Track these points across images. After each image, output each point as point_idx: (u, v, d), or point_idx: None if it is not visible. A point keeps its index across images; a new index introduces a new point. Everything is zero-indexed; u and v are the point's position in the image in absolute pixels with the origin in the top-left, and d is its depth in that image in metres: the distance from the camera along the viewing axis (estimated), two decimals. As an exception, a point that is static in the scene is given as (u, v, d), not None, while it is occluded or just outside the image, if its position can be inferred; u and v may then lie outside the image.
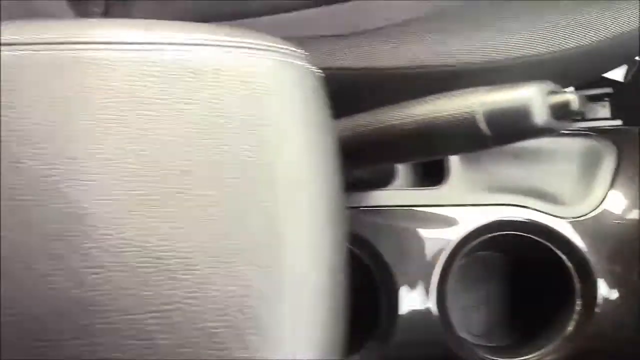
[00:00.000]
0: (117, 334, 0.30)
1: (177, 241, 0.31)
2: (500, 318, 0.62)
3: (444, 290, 0.56)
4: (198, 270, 0.31)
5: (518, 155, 0.60)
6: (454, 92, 0.41)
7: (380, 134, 0.43)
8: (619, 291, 0.56)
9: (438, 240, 0.56)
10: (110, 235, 0.31)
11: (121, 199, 0.31)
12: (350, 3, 0.59)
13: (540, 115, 0.37)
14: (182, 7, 0.63)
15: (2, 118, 0.31)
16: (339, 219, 0.36)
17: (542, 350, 0.57)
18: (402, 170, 0.61)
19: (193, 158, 0.32)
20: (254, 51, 0.35)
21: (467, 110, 0.39)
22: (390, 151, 0.44)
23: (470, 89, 0.41)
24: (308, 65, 0.36)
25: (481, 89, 0.40)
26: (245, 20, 0.61)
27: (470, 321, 0.61)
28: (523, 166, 0.59)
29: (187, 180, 0.32)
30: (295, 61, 0.36)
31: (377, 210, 0.58)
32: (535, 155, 0.60)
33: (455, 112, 0.40)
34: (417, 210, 0.57)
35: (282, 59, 0.35)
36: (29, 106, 0.32)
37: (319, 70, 0.37)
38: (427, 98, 0.42)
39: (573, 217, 0.57)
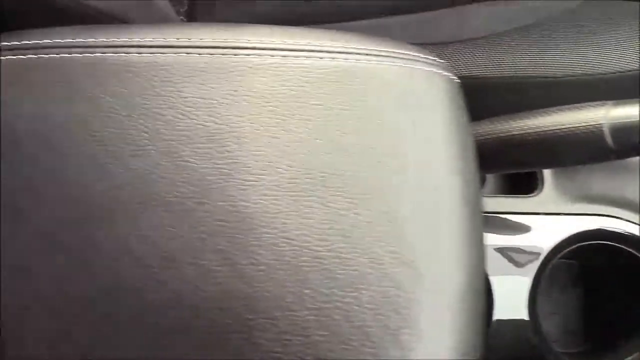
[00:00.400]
0: (278, 329, 0.31)
1: (335, 242, 0.32)
2: (576, 325, 0.63)
3: (536, 296, 0.56)
4: (355, 270, 0.32)
5: (610, 166, 0.61)
6: (578, 105, 0.42)
7: (500, 143, 0.44)
8: None
9: (532, 247, 0.57)
10: (273, 234, 0.32)
11: (281, 199, 0.32)
12: (450, 10, 0.60)
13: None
14: (264, 10, 0.65)
15: (165, 117, 0.33)
16: (479, 220, 0.37)
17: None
18: (491, 177, 0.62)
19: (350, 163, 0.33)
20: (402, 60, 0.36)
21: (594, 123, 0.40)
22: (509, 160, 0.45)
23: (596, 102, 0.41)
24: (448, 74, 0.37)
25: (607, 102, 0.41)
26: (335, 25, 0.62)
27: (549, 327, 0.62)
28: (616, 177, 0.60)
29: (344, 184, 0.33)
30: (438, 70, 0.37)
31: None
32: (627, 167, 0.61)
33: (580, 124, 0.41)
34: (511, 217, 0.58)
35: (427, 68, 0.36)
36: (192, 107, 0.33)
37: (457, 79, 0.38)
38: (550, 110, 0.43)
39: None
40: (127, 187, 0.32)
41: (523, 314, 0.56)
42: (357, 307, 0.32)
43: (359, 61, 0.35)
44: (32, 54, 0.34)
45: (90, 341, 0.31)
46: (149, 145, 0.32)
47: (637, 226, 0.58)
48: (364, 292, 0.32)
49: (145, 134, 0.33)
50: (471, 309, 0.35)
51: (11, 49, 0.35)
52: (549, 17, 0.57)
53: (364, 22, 0.62)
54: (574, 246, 0.57)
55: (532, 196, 0.58)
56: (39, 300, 0.31)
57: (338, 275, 0.32)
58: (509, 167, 0.52)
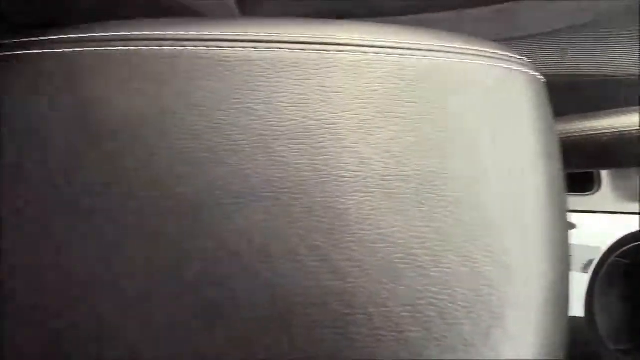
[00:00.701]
0: (373, 325, 0.32)
1: (429, 240, 0.32)
2: (627, 322, 0.63)
3: (593, 294, 0.57)
4: (448, 268, 0.32)
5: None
6: (635, 108, 0.42)
7: (570, 144, 0.44)
8: None
9: (590, 245, 0.57)
10: (367, 230, 0.32)
11: (375, 196, 0.32)
12: (506, 5, 0.59)
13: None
14: (312, 5, 0.65)
15: (259, 112, 0.33)
16: (565, 220, 0.37)
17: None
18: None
19: (443, 162, 0.33)
20: (491, 59, 0.36)
21: None
22: (567, 162, 0.45)
23: None
24: (535, 73, 0.37)
25: None
26: (377, 20, 0.62)
27: (602, 324, 0.62)
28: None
29: (438, 183, 0.33)
30: (524, 69, 0.37)
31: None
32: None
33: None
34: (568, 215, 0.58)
35: (515, 67, 0.36)
36: (285, 103, 0.33)
37: (542, 77, 0.38)
38: (609, 112, 0.43)
39: None
40: (221, 181, 0.32)
41: (579, 311, 0.56)
42: (451, 305, 0.32)
43: (451, 59, 0.35)
44: (121, 46, 0.34)
45: (178, 332, 0.31)
46: (243, 140, 0.33)
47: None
48: (457, 290, 0.32)
49: (239, 129, 0.33)
50: (557, 308, 0.35)
51: (95, 41, 0.35)
52: (607, 14, 0.56)
53: (404, 18, 0.62)
54: (630, 245, 0.57)
55: (590, 195, 0.58)
56: (129, 290, 0.31)
57: (432, 273, 0.32)
58: (568, 168, 0.52)
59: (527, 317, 0.34)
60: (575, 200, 0.56)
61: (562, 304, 0.35)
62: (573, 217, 0.57)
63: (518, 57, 0.37)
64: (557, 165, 0.37)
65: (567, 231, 0.37)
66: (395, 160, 0.33)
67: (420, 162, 0.33)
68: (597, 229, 0.56)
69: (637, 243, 0.57)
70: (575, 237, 0.57)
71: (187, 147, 0.33)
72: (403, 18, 0.62)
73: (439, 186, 0.33)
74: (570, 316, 0.57)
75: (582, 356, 0.57)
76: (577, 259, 0.55)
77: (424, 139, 0.33)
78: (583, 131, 0.43)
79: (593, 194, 0.57)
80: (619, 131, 0.42)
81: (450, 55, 0.35)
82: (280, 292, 0.31)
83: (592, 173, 0.58)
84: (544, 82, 0.38)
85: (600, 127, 0.43)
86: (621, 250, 0.56)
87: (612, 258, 0.56)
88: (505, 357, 0.32)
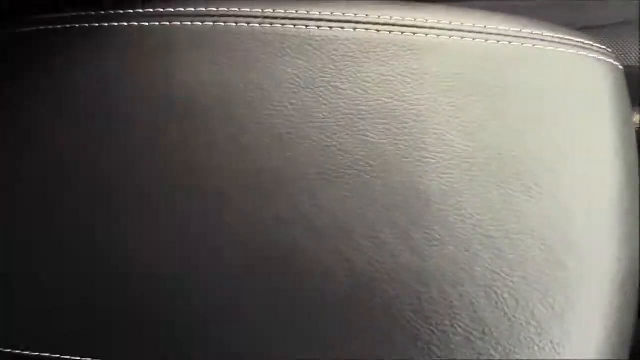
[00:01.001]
0: (448, 304, 0.32)
1: (507, 222, 0.33)
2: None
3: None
4: (524, 251, 0.33)
5: None
6: None
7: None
8: None
9: None
10: (447, 210, 0.33)
11: (456, 177, 0.33)
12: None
13: None
14: None
15: (345, 92, 0.34)
16: (637, 211, 0.37)
17: None
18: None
19: (525, 145, 0.34)
20: (572, 47, 0.36)
21: None
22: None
23: None
24: (614, 62, 0.37)
25: None
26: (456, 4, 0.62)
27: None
28: None
29: (518, 166, 0.34)
30: (604, 57, 0.37)
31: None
32: None
33: None
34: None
35: (595, 55, 0.36)
36: (371, 83, 0.34)
37: (622, 67, 0.38)
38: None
39: None
40: (306, 158, 0.33)
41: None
42: (525, 287, 0.33)
43: (535, 46, 0.35)
44: (210, 22, 0.35)
45: (259, 306, 0.33)
46: (329, 118, 0.33)
47: None
48: (532, 273, 0.33)
49: (325, 107, 0.34)
50: (628, 297, 0.35)
51: (188, 16, 0.36)
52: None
53: (479, 3, 0.62)
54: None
55: None
56: (207, 259, 0.33)
57: (508, 255, 0.33)
58: None
59: (599, 302, 0.34)
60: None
61: (632, 292, 0.36)
62: None
63: (600, 45, 0.37)
64: (634, 154, 0.37)
65: (639, 221, 0.37)
66: (477, 143, 0.34)
67: (501, 145, 0.34)
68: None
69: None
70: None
71: (274, 123, 0.34)
72: (477, 3, 0.62)
73: (519, 170, 0.33)
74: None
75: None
76: None
77: (506, 123, 0.34)
78: None
79: None
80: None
81: (536, 42, 0.35)
82: (359, 267, 0.32)
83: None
84: (622, 70, 0.38)
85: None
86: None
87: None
88: (577, 341, 0.33)
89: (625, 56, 0.54)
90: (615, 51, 0.54)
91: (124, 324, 0.32)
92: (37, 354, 0.33)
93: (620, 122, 0.37)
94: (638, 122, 0.45)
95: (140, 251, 0.32)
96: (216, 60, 0.35)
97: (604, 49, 0.37)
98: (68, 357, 0.33)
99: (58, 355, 0.33)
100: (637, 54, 0.54)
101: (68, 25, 0.36)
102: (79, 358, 0.32)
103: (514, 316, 0.33)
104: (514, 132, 0.34)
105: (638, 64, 0.55)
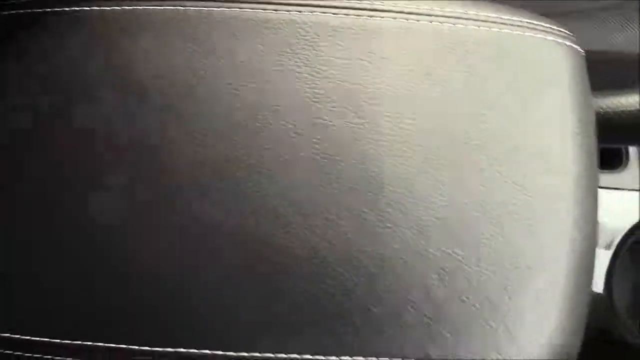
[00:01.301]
0: (401, 286, 0.33)
1: (461, 204, 0.33)
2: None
3: (613, 271, 0.57)
4: (478, 232, 0.33)
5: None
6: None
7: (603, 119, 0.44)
8: None
9: (615, 222, 0.57)
10: (400, 193, 0.33)
11: (411, 159, 0.33)
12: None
13: None
14: None
15: (302, 75, 0.34)
16: (595, 197, 0.37)
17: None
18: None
19: (481, 129, 0.34)
20: (534, 31, 0.36)
21: None
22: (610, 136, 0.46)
23: None
24: (575, 46, 0.38)
25: None
26: None
27: (621, 301, 0.62)
28: None
29: (473, 149, 0.34)
30: (565, 41, 0.37)
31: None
32: None
33: None
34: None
35: (557, 39, 0.37)
36: (327, 66, 0.34)
37: (582, 50, 0.39)
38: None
39: None
40: (262, 141, 0.33)
41: (598, 288, 0.57)
42: (478, 269, 0.33)
43: (501, 30, 0.35)
44: (169, 6, 0.35)
45: (218, 283, 0.33)
46: (285, 102, 0.34)
47: None
48: (485, 253, 0.33)
49: (281, 92, 0.34)
50: (582, 278, 0.36)
51: None
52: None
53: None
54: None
55: (617, 172, 0.59)
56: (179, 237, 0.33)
57: (463, 238, 0.33)
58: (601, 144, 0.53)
59: (554, 283, 0.35)
60: (602, 178, 0.57)
61: (586, 272, 0.36)
62: (602, 194, 0.57)
63: (561, 29, 0.37)
64: (593, 140, 0.38)
65: (596, 206, 0.37)
66: (433, 127, 0.34)
67: (458, 129, 0.34)
68: (623, 206, 0.56)
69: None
70: (600, 214, 0.57)
71: (231, 107, 0.34)
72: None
73: (476, 154, 0.34)
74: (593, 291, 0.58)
75: (599, 331, 0.58)
76: (602, 236, 0.56)
77: (465, 108, 0.34)
78: (618, 107, 0.44)
79: (620, 171, 0.57)
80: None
81: (501, 26, 0.36)
82: (317, 251, 0.33)
83: (620, 149, 0.59)
84: (583, 55, 0.39)
85: (634, 103, 0.43)
86: (643, 229, 0.57)
87: (634, 237, 0.57)
88: (531, 320, 0.34)
89: (609, 41, 0.54)
90: (597, 36, 0.54)
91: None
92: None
93: (580, 107, 0.37)
94: (604, 106, 0.45)
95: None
96: (176, 45, 0.35)
97: (564, 32, 0.37)
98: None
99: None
100: (623, 38, 0.54)
101: (22, 11, 0.36)
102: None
103: (467, 297, 0.33)
104: (472, 116, 0.34)
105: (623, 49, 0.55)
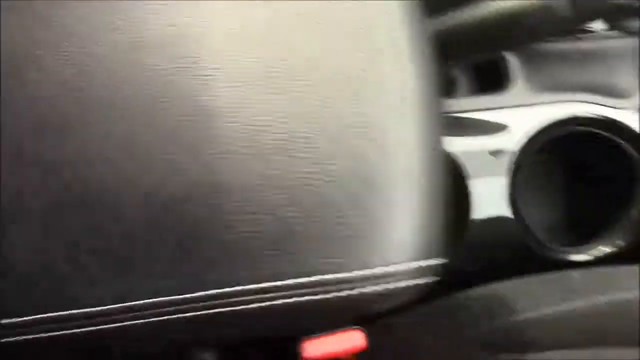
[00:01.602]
0: (249, 211, 0.33)
1: (298, 125, 0.34)
2: (560, 218, 0.64)
3: (516, 193, 0.58)
4: (318, 148, 0.33)
5: (577, 58, 0.62)
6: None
7: (462, 31, 0.45)
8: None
9: (506, 144, 0.58)
10: (236, 122, 0.33)
11: (243, 88, 0.33)
12: None
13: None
14: None
15: (122, 26, 0.34)
16: (438, 113, 0.38)
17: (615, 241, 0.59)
18: (462, 81, 0.63)
19: (313, 51, 0.35)
20: None
21: None
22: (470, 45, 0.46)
23: None
24: None
25: None
26: None
27: (533, 222, 0.62)
28: (585, 62, 0.61)
29: (307, 69, 0.34)
30: None
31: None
32: (594, 56, 0.62)
33: None
34: (483, 117, 0.59)
35: None
36: (144, 13, 0.34)
37: None
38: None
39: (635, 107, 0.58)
40: (90, 92, 0.33)
41: (506, 212, 0.57)
42: (325, 183, 0.33)
43: None
44: None
45: (66, 247, 0.33)
46: (109, 54, 0.33)
47: (612, 109, 0.59)
48: (331, 167, 0.33)
49: (104, 45, 0.33)
50: (435, 193, 0.36)
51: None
52: None
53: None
54: (549, 137, 0.58)
55: (503, 92, 0.59)
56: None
57: (303, 155, 0.33)
58: (471, 52, 0.53)
59: (406, 193, 0.35)
60: (489, 100, 0.57)
61: (437, 188, 0.37)
62: (491, 118, 0.57)
63: None
64: (431, 64, 0.38)
65: (439, 125, 0.38)
66: (261, 53, 0.34)
67: (288, 52, 0.34)
68: (514, 125, 0.57)
69: (556, 134, 0.58)
70: (491, 138, 0.58)
71: (53, 64, 0.33)
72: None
73: (308, 73, 0.34)
74: (498, 217, 0.58)
75: (515, 252, 0.58)
76: (496, 160, 0.56)
77: (292, 30, 0.35)
78: (483, 14, 0.45)
79: (506, 90, 0.57)
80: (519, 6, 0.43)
81: None
82: (156, 194, 0.33)
83: (505, 70, 0.59)
84: None
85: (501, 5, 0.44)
86: (540, 143, 0.57)
87: (534, 153, 0.57)
88: (390, 235, 0.34)
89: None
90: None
91: None
92: None
93: (413, 35, 0.37)
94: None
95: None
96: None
97: None
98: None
99: None
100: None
101: None
102: None
103: (319, 217, 0.33)
104: (300, 37, 0.34)
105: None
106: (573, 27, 0.42)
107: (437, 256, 0.36)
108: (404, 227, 0.35)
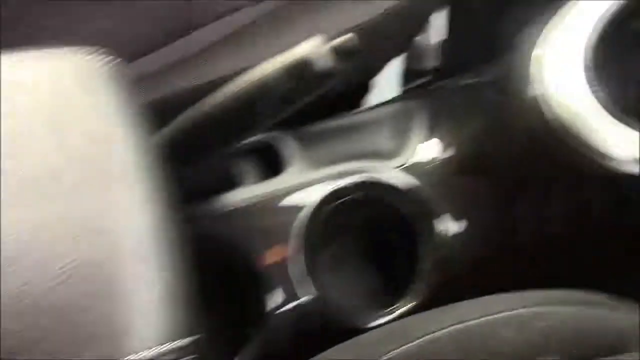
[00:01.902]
0: None
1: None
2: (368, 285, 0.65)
3: (313, 270, 0.58)
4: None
5: (348, 129, 0.66)
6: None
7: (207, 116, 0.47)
8: (464, 219, 0.61)
9: (288, 223, 0.59)
10: None
11: None
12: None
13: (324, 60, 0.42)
14: None
15: None
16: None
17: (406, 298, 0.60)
18: (245, 172, 0.65)
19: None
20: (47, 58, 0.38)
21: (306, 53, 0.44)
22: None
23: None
24: (101, 57, 0.39)
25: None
26: None
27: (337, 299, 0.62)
28: (360, 130, 0.65)
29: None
30: (87, 56, 0.39)
31: (229, 212, 0.61)
32: (362, 126, 0.66)
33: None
34: (265, 202, 0.60)
35: (74, 58, 0.38)
36: None
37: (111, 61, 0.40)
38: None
39: (399, 166, 0.62)
40: None
41: (305, 294, 0.57)
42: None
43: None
44: None
45: None
46: None
47: (381, 173, 0.61)
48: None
49: None
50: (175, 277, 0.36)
51: None
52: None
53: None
54: (330, 210, 0.60)
55: (280, 176, 0.61)
56: None
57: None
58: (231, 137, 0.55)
59: (141, 286, 0.35)
60: (270, 185, 0.59)
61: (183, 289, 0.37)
62: (273, 203, 0.58)
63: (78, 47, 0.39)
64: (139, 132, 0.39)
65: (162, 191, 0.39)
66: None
67: None
68: (297, 204, 0.58)
69: (335, 204, 0.60)
70: (275, 221, 0.59)
71: None
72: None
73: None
74: (298, 304, 0.58)
75: (322, 333, 0.58)
76: (285, 242, 0.57)
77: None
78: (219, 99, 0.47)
79: (283, 174, 0.59)
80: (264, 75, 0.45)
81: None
82: None
83: (280, 156, 0.61)
84: (110, 65, 0.40)
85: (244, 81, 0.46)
86: (322, 218, 0.59)
87: (319, 228, 0.58)
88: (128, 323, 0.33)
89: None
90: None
91: None
92: None
93: (111, 112, 0.38)
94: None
95: None
96: None
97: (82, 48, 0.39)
98: None
99: None
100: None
101: None
102: None
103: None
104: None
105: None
106: (332, 83, 0.45)
107: (189, 335, 0.35)
108: (141, 316, 0.34)
